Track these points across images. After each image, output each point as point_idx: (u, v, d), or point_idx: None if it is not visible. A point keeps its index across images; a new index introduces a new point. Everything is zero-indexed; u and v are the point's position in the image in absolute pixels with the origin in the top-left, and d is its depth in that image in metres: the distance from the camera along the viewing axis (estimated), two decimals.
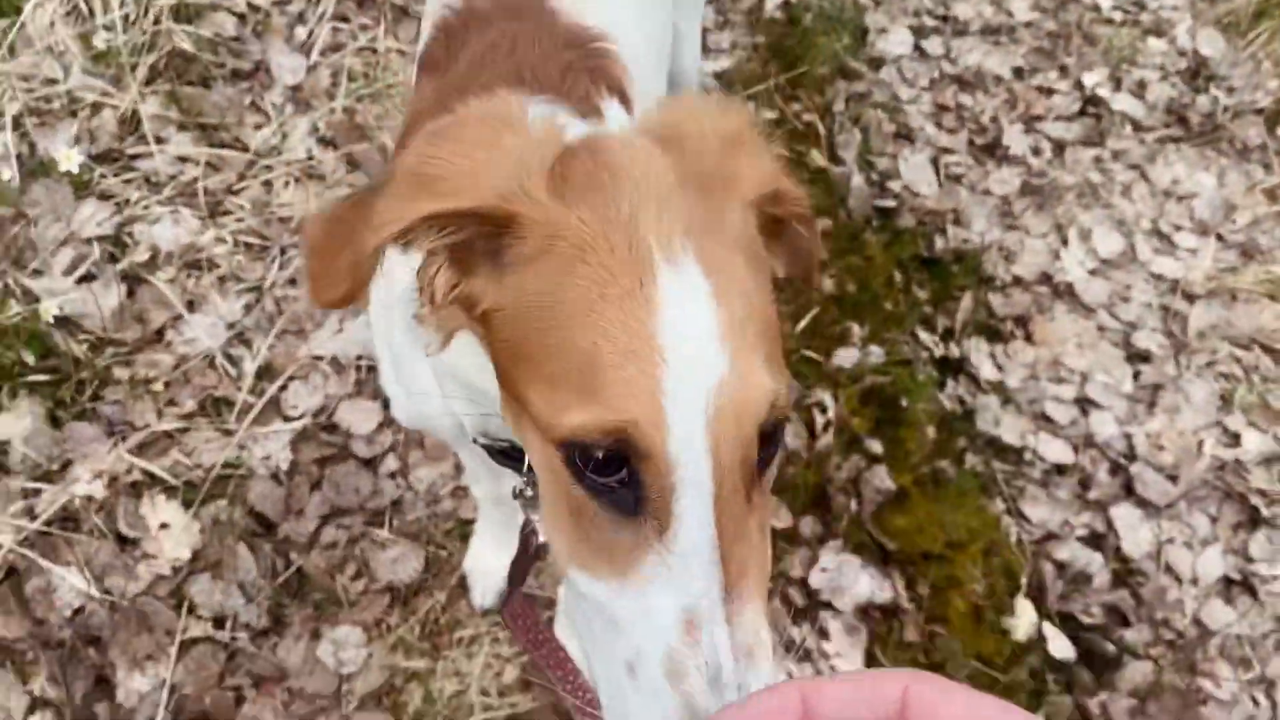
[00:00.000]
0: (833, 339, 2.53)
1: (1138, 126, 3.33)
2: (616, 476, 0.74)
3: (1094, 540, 2.42)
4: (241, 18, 2.72)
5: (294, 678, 1.88)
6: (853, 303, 2.63)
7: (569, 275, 0.74)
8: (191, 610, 1.90)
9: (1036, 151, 3.23)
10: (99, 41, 2.51)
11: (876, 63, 3.31)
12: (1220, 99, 3.37)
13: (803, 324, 2.53)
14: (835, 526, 2.21)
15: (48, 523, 1.92)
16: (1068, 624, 2.25)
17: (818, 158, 2.92)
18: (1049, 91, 3.40)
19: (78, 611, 1.86)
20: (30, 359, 2.04)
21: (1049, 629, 2.21)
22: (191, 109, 2.49)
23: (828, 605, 2.10)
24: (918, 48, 3.42)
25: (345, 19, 2.82)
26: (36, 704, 1.77)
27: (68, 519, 1.94)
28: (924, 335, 2.65)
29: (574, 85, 1.20)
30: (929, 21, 3.53)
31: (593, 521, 0.76)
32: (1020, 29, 3.59)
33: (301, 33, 2.74)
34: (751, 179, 0.83)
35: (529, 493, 1.11)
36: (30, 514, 1.92)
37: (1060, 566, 2.34)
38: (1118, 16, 3.67)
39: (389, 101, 2.68)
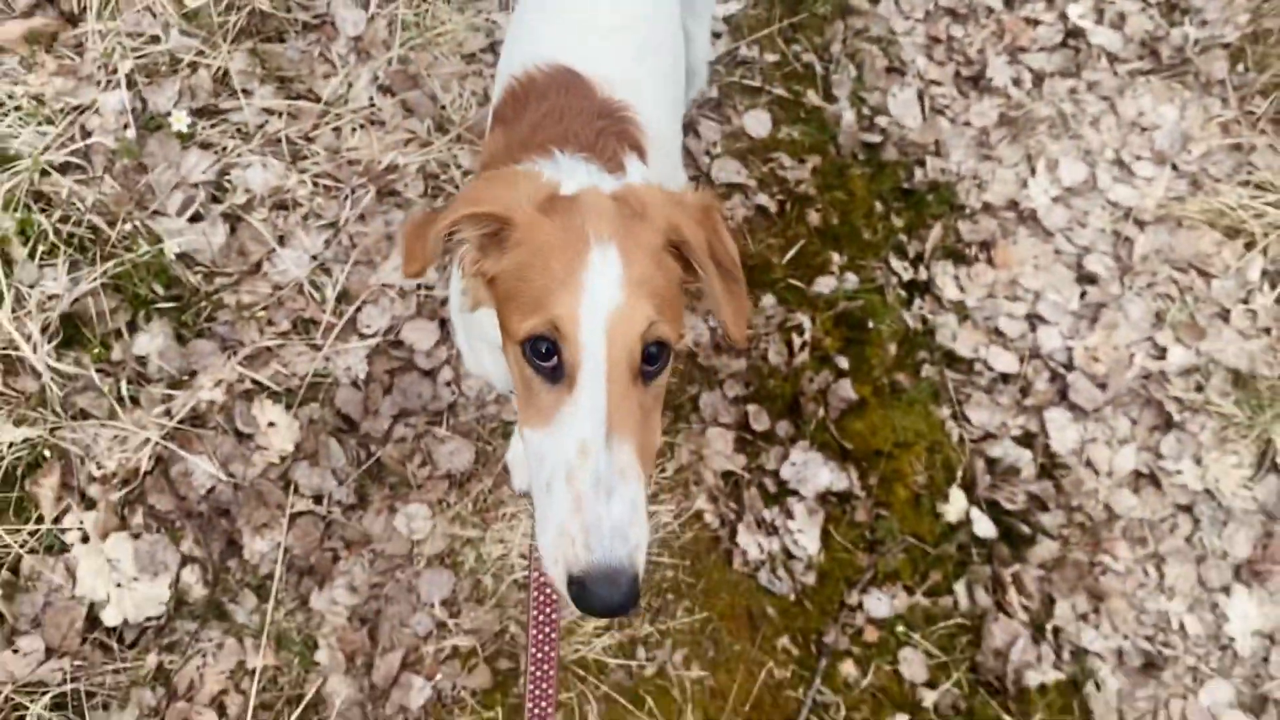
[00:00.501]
0: (815, 268, 2.98)
1: (1113, 59, 3.65)
2: (551, 361, 1.22)
3: (1026, 440, 2.90)
4: None
5: (376, 542, 2.45)
6: (834, 234, 3.06)
7: (539, 251, 1.25)
8: (296, 490, 2.46)
9: (1017, 83, 3.56)
10: (189, 1, 2.91)
11: None
12: (1191, 34, 3.66)
13: (789, 255, 2.97)
14: (804, 429, 2.72)
15: (181, 421, 2.46)
16: (993, 510, 2.76)
17: (813, 97, 3.29)
18: (1035, 23, 3.70)
19: (210, 490, 2.43)
20: (159, 289, 2.55)
21: (975, 513, 2.73)
22: (271, 63, 2.91)
23: (794, 493, 2.64)
24: None
25: None
26: (186, 560, 2.35)
27: (196, 418, 2.49)
28: (895, 262, 3.08)
29: (604, 145, 1.68)
30: None
31: (536, 391, 1.24)
32: None
33: None
34: (663, 218, 1.29)
35: None
36: (168, 414, 2.46)
37: (993, 461, 2.84)
38: None
39: (437, 49, 3.08)
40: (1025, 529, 2.75)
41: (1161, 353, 3.11)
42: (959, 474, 2.79)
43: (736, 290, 1.35)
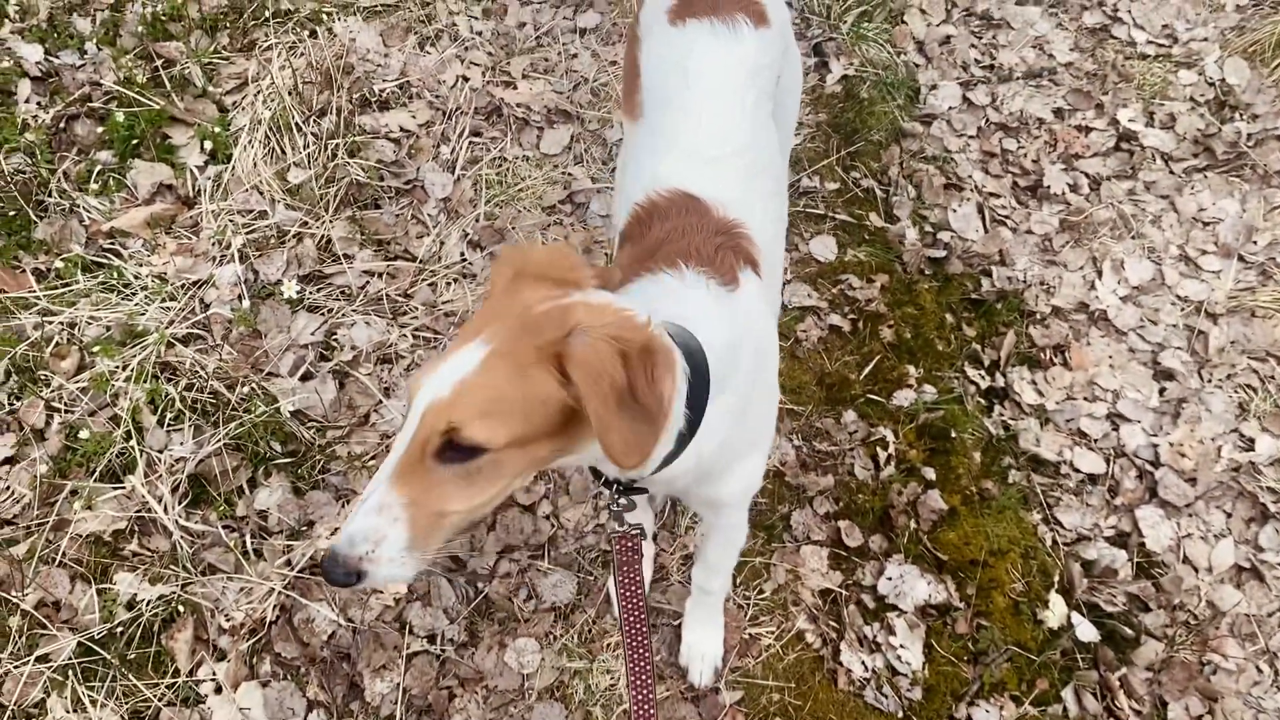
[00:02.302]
0: (892, 382, 3.07)
1: (1168, 158, 3.75)
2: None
3: (1120, 540, 2.91)
4: (397, 142, 3.36)
5: (489, 678, 2.54)
6: (908, 348, 3.16)
7: (469, 324, 1.49)
8: (411, 630, 2.56)
9: (1075, 188, 3.68)
10: (292, 178, 3.17)
11: (928, 119, 3.79)
12: (1244, 129, 3.76)
13: (866, 371, 3.07)
14: (897, 543, 2.77)
15: (302, 570, 2.60)
16: (1094, 613, 2.76)
17: (876, 219, 3.44)
18: (1087, 130, 3.84)
19: (331, 636, 2.54)
20: (276, 446, 2.72)
21: (1076, 617, 2.73)
22: (369, 229, 3.14)
23: (894, 608, 2.67)
24: (965, 99, 3.89)
25: (479, 133, 3.44)
26: (312, 705, 2.46)
27: (315, 566, 2.62)
28: (971, 371, 3.16)
29: (723, 260, 1.85)
30: (976, 72, 3.98)
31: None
32: (1061, 70, 4.02)
33: (446, 151, 3.37)
34: (554, 341, 1.40)
35: (620, 504, 1.80)
36: (289, 564, 2.61)
37: (1089, 564, 2.85)
38: (1151, 51, 4.07)
39: (520, 204, 3.30)
40: (1128, 631, 2.73)
41: (1249, 444, 3.11)
42: (1056, 578, 2.80)
43: (639, 428, 1.41)
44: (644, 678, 1.71)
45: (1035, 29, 4.14)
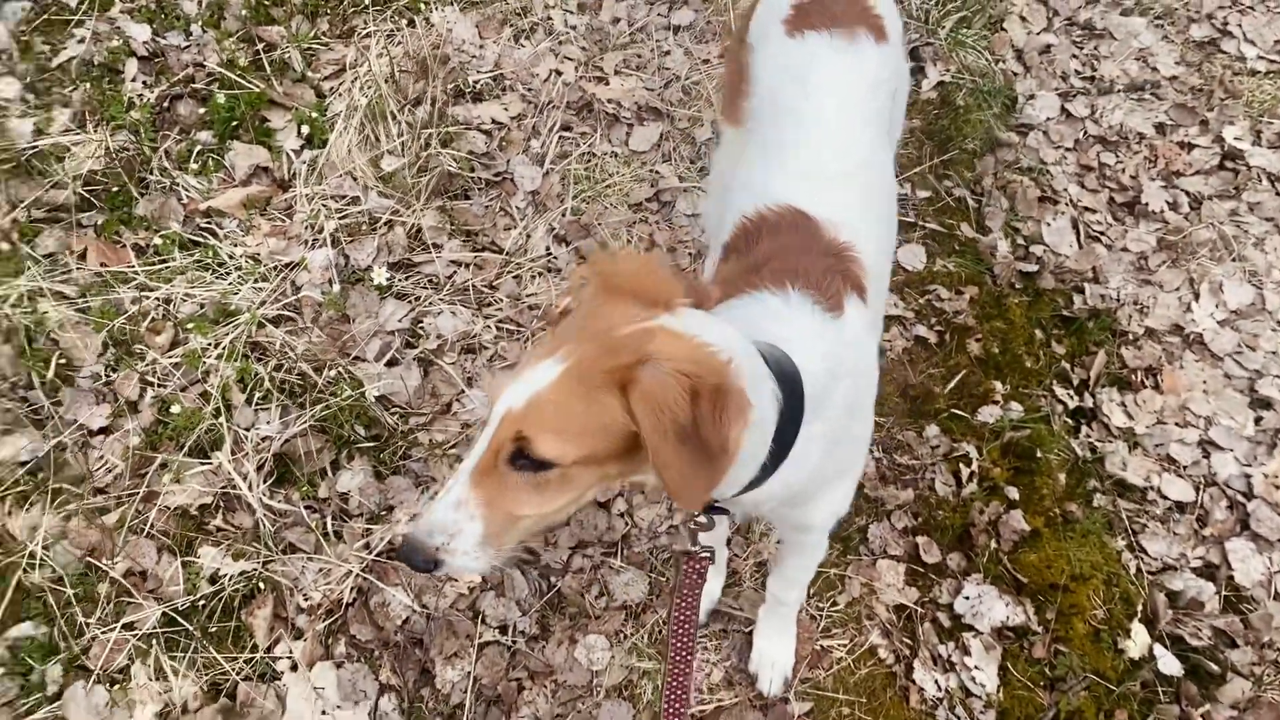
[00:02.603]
0: (978, 397, 3.01)
1: (1275, 179, 3.62)
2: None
3: (1208, 571, 2.82)
4: (488, 134, 3.38)
5: (558, 673, 2.55)
6: (995, 363, 3.10)
7: (554, 336, 1.49)
8: (483, 620, 2.58)
9: (1174, 207, 3.57)
10: (385, 165, 3.21)
11: (1025, 129, 3.71)
12: None
13: (951, 385, 3.02)
14: (976, 562, 2.72)
15: (379, 554, 2.63)
16: (1178, 645, 2.68)
17: (967, 230, 3.37)
18: (1189, 146, 3.72)
19: (405, 621, 2.57)
20: (360, 430, 2.76)
21: (1159, 649, 2.66)
22: (458, 219, 3.17)
23: (970, 628, 2.62)
24: (1064, 110, 3.80)
25: (569, 128, 3.44)
26: (384, 689, 2.49)
27: (392, 551, 2.66)
28: (1059, 390, 3.09)
29: (830, 284, 1.80)
30: (1076, 83, 3.89)
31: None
32: (1164, 84, 3.90)
33: (536, 144, 3.38)
34: (624, 370, 1.36)
35: (698, 522, 1.78)
36: (367, 547, 2.64)
37: (1174, 594, 2.77)
38: (1262, 67, 3.93)
39: (606, 200, 3.30)
40: (1214, 666, 2.65)
41: None
42: (1139, 608, 2.72)
43: (699, 470, 1.37)
44: (678, 705, 1.70)
45: (1139, 40, 4.02)
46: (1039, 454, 2.92)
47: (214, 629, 2.50)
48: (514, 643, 2.57)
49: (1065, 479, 2.91)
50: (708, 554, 1.77)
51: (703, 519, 1.75)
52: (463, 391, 2.87)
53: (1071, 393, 3.10)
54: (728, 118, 2.43)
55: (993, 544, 2.75)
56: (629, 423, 1.37)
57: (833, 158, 2.07)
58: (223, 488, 2.66)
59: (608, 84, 3.55)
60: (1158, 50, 3.99)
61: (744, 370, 1.44)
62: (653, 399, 1.33)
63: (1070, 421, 3.05)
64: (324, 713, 2.43)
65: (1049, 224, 3.46)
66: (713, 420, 1.34)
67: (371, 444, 2.76)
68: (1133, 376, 3.17)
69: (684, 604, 1.73)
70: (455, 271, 3.08)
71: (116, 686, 2.42)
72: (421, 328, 2.97)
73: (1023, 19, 4.04)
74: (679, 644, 1.73)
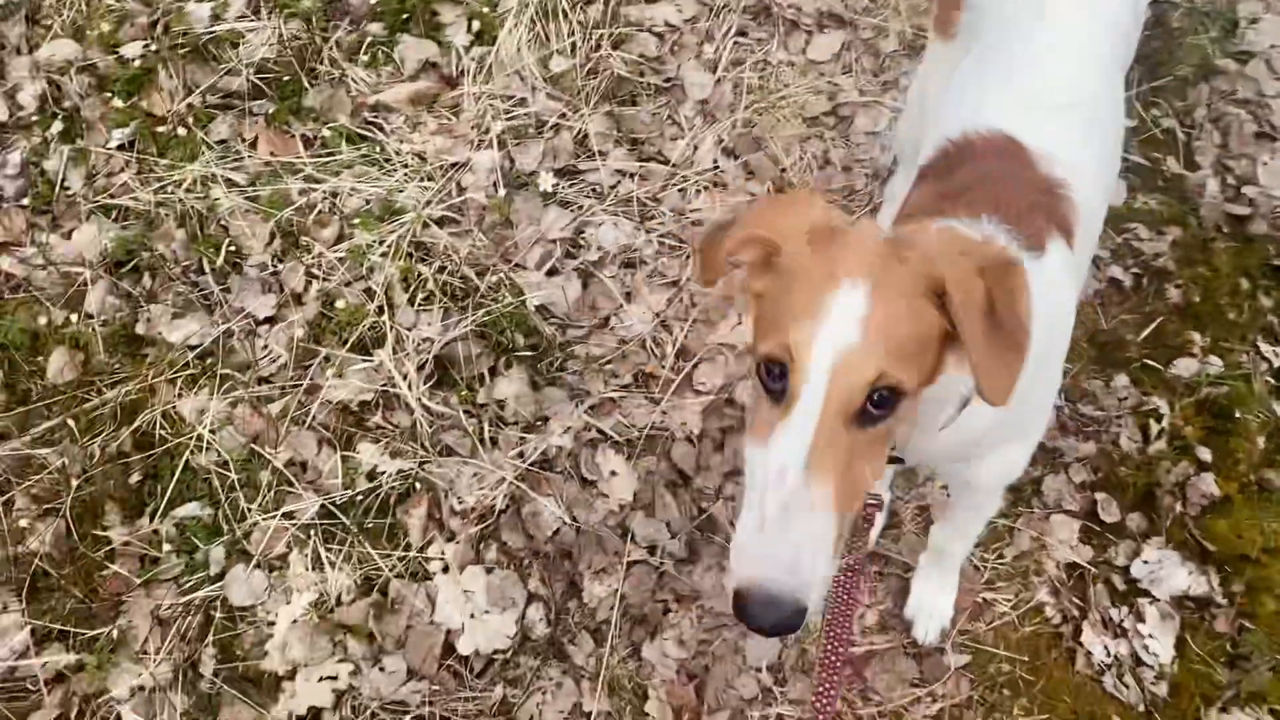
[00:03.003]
0: (1174, 349, 2.78)
1: None
2: (780, 384, 1.23)
3: None
4: (660, 37, 3.23)
5: (705, 598, 2.49)
6: (1195, 313, 2.85)
7: (795, 278, 1.27)
8: (633, 539, 2.54)
9: None
10: (554, 66, 3.11)
11: (1245, 57, 3.36)
12: None
13: (1145, 334, 2.79)
14: (1159, 525, 2.53)
15: (533, 464, 2.61)
16: None
17: (1174, 165, 3.09)
18: None
19: (555, 533, 2.55)
20: (519, 339, 2.72)
21: None
22: (625, 126, 3.05)
23: (1146, 593, 2.46)
24: None
25: (744, 33, 3.27)
26: (531, 598, 2.49)
27: (546, 462, 2.63)
28: (1265, 347, 2.83)
29: (1032, 221, 1.62)
30: None
31: (761, 407, 1.27)
32: None
33: (709, 50, 3.22)
34: (926, 267, 1.24)
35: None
36: (521, 456, 2.62)
37: None
38: None
39: (780, 113, 3.13)
40: None
41: None
42: None
43: (1008, 354, 1.25)
44: (838, 646, 1.56)
45: None
46: (1237, 414, 2.68)
47: (370, 525, 2.52)
48: (662, 564, 2.53)
49: (1265, 444, 2.67)
50: (875, 501, 1.65)
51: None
52: (620, 306, 2.79)
53: (1278, 350, 2.84)
54: (939, 29, 2.23)
55: (1179, 507, 2.56)
56: (942, 326, 1.25)
57: (1061, 86, 1.86)
58: (383, 386, 2.66)
59: None
60: None
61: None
62: (966, 292, 1.22)
63: (1274, 382, 2.79)
64: (472, 615, 2.44)
65: (1265, 163, 3.14)
66: (1009, 301, 1.24)
67: (529, 353, 2.72)
68: None
69: (850, 549, 1.58)
70: (619, 181, 2.98)
71: (275, 572, 2.47)
72: (583, 238, 2.89)
73: None
74: (842, 588, 1.59)
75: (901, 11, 3.30)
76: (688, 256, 2.90)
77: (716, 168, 3.04)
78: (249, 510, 2.52)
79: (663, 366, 2.75)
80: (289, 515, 2.51)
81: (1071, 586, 2.49)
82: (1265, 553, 2.52)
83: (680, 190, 3.00)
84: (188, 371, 2.70)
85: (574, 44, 3.12)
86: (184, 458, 2.57)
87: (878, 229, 1.39)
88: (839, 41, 3.27)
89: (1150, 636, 2.42)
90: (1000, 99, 1.84)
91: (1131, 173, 3.06)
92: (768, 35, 3.28)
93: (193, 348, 2.73)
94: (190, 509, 2.53)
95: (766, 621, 1.17)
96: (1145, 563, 2.49)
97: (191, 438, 2.59)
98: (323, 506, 2.52)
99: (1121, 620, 2.45)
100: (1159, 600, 2.46)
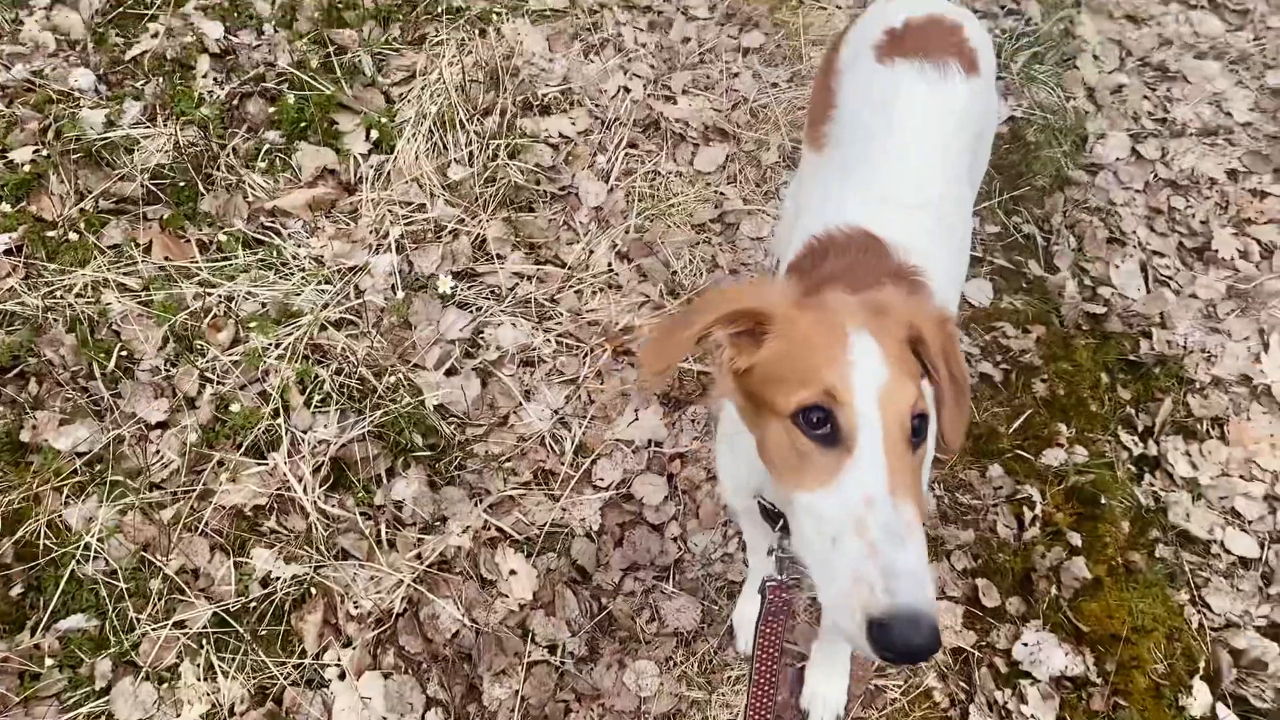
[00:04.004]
0: (1042, 440, 2.96)
1: None
2: (823, 429, 1.30)
3: (1273, 631, 2.75)
4: (555, 148, 3.36)
5: (606, 697, 2.50)
6: (1061, 405, 3.04)
7: (802, 337, 1.37)
8: (533, 639, 2.55)
9: (1244, 254, 3.50)
10: (452, 174, 3.20)
11: (1095, 169, 3.66)
12: None
13: (1016, 425, 2.96)
14: (1036, 608, 2.66)
15: (431, 565, 2.60)
16: (1240, 705, 2.61)
17: (1035, 268, 3.32)
18: (1262, 194, 3.66)
19: (455, 635, 2.54)
20: (418, 439, 2.74)
21: (1223, 709, 2.58)
22: (522, 231, 3.15)
23: (1027, 675, 2.56)
24: (1134, 151, 3.75)
25: (635, 145, 3.43)
26: (431, 703, 2.46)
27: (445, 563, 2.63)
28: (1125, 436, 3.02)
29: None
30: (1148, 124, 3.83)
31: (810, 456, 1.30)
32: (1238, 130, 3.84)
33: (602, 160, 3.36)
34: (905, 317, 1.39)
35: (786, 550, 1.68)
36: (419, 557, 2.61)
37: (1238, 653, 2.69)
38: None
39: (670, 219, 3.27)
40: None
41: None
42: (1201, 664, 2.65)
43: (961, 400, 1.42)
44: None
45: (1213, 85, 3.96)
46: (1103, 500, 2.85)
47: (264, 632, 2.48)
48: (563, 663, 2.54)
49: (1129, 527, 2.84)
50: (794, 582, 1.70)
51: (788, 546, 1.68)
52: (520, 404, 2.85)
53: (1136, 439, 3.04)
54: (810, 142, 2.40)
55: (1054, 590, 2.69)
56: (919, 370, 1.40)
57: (910, 186, 2.05)
58: (278, 489, 2.64)
59: (675, 103, 3.53)
60: (1232, 95, 3.94)
61: None
62: (937, 345, 1.39)
63: (1134, 469, 2.98)
64: None
65: (1117, 266, 3.41)
66: (955, 350, 1.42)
67: (428, 453, 2.74)
68: (1198, 426, 3.10)
69: (769, 633, 1.66)
70: (517, 283, 3.06)
71: (165, 684, 2.40)
72: (482, 338, 2.95)
73: (1095, 57, 3.99)
74: (763, 675, 1.66)
75: (781, 127, 3.51)
76: (585, 355, 2.98)
77: (611, 271, 3.14)
78: (138, 620, 2.45)
79: (562, 463, 2.79)
80: (180, 624, 2.45)
81: (958, 670, 2.58)
82: (1135, 632, 2.66)
83: (577, 292, 3.09)
84: (75, 479, 2.63)
85: (471, 153, 3.22)
86: (69, 568, 2.49)
87: (844, 293, 1.52)
88: (723, 154, 3.45)
89: (1033, 717, 2.51)
90: (858, 198, 2.02)
91: (997, 275, 3.28)
92: (657, 147, 3.44)
93: (81, 455, 2.67)
94: (75, 621, 2.45)
95: (917, 642, 1.14)
96: (1025, 645, 2.61)
97: (78, 547, 2.52)
98: (215, 614, 2.46)
99: (1006, 702, 2.54)
100: (1039, 681, 2.57)
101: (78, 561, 2.50)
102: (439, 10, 3.63)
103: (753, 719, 1.65)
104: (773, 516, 1.70)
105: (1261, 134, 3.82)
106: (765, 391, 1.38)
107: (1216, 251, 3.50)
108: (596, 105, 3.52)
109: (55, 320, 2.87)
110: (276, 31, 3.55)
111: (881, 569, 1.17)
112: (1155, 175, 3.69)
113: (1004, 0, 4.07)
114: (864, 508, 1.21)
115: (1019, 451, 2.92)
